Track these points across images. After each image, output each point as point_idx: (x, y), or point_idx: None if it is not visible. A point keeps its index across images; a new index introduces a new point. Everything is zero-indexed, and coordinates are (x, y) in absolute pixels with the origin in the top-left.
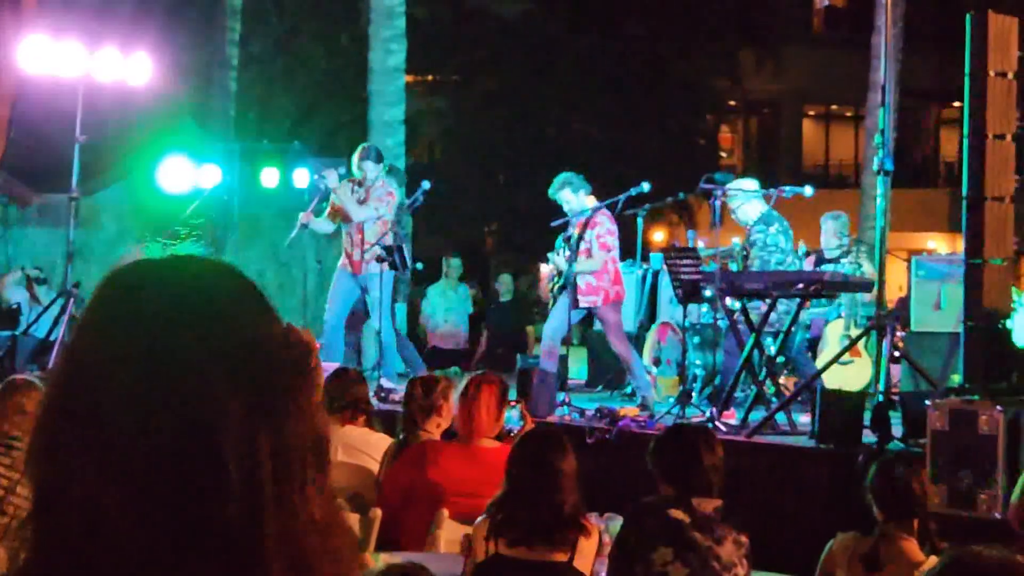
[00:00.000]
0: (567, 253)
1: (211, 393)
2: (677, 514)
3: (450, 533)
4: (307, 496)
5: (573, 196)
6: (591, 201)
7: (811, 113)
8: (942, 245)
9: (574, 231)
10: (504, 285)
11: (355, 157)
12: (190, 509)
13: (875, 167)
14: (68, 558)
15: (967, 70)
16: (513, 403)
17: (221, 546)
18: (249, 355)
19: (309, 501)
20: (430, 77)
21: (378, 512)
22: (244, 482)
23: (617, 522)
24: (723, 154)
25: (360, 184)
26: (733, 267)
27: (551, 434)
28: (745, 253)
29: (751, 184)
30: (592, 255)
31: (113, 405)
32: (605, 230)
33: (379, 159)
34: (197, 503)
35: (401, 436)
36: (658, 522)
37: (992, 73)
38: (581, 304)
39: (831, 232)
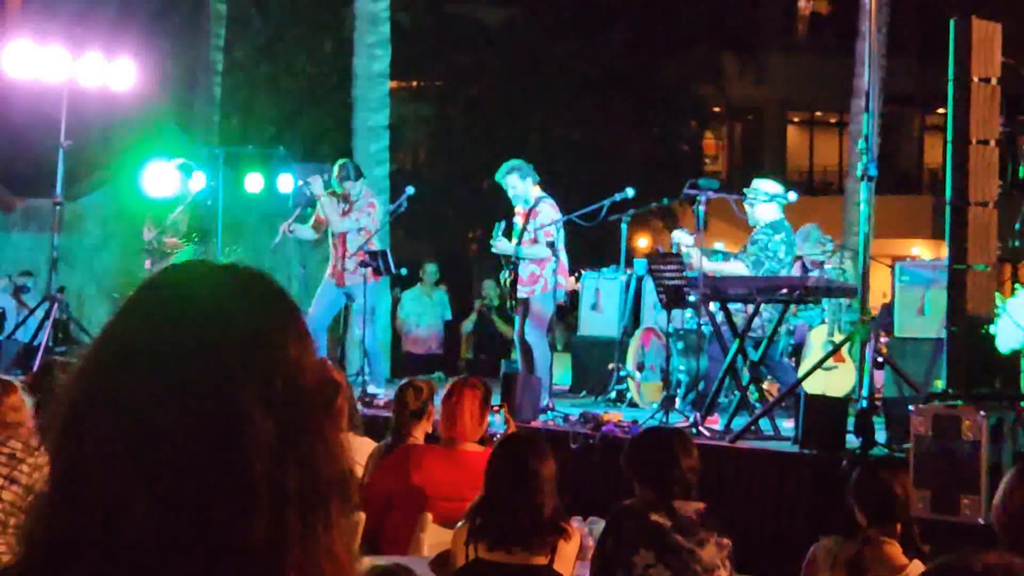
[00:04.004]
0: (513, 239)
1: (245, 408)
2: (658, 518)
3: (433, 537)
4: (330, 530)
5: (520, 182)
6: (536, 190)
7: (795, 119)
8: (926, 251)
9: (518, 220)
10: (489, 291)
11: (334, 176)
12: (216, 523)
13: (859, 173)
14: (80, 550)
15: (950, 75)
16: (496, 408)
17: (243, 569)
18: (285, 380)
19: (332, 536)
20: (414, 83)
21: (361, 516)
22: (272, 506)
23: (600, 525)
24: (707, 160)
25: (345, 199)
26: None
27: (530, 438)
28: (743, 248)
29: (774, 187)
30: (537, 243)
31: (149, 400)
32: (549, 219)
33: (358, 175)
34: (224, 518)
35: (387, 440)
36: (639, 526)
37: (975, 79)
38: (519, 294)
39: (813, 239)
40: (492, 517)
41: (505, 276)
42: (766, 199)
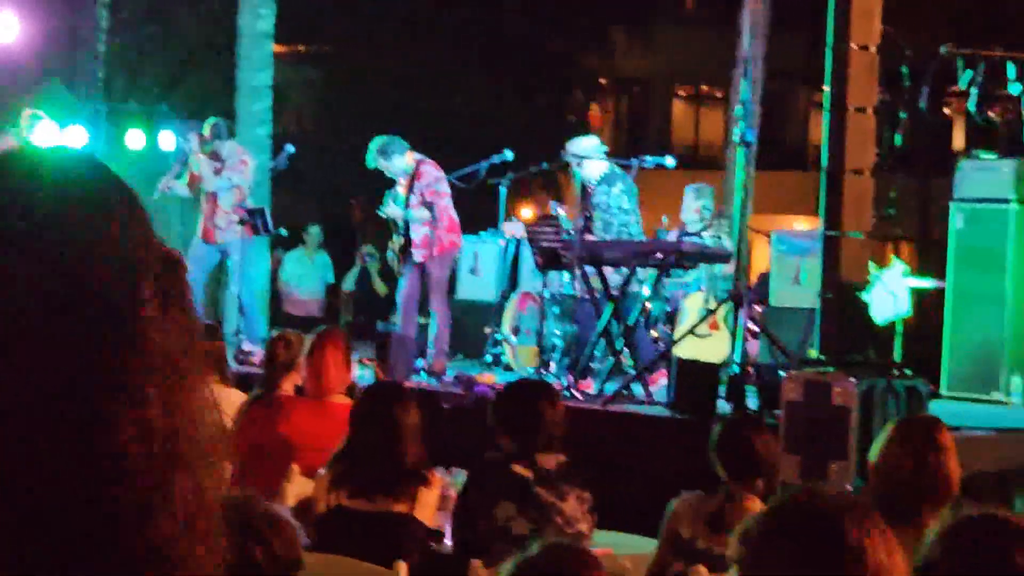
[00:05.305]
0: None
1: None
2: (520, 470)
3: (299, 487)
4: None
5: (390, 162)
6: (411, 157)
7: (681, 93)
8: (810, 227)
9: (400, 190)
10: (371, 256)
11: (205, 135)
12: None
13: (735, 138)
14: None
15: (829, 42)
16: (366, 361)
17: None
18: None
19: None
20: (302, 47)
21: (227, 465)
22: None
23: (463, 477)
24: (593, 132)
25: (216, 157)
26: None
27: (394, 387)
28: (588, 215)
29: (591, 142)
30: (426, 205)
31: None
32: (433, 179)
33: (230, 134)
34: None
35: (256, 392)
36: (501, 477)
37: (854, 46)
38: (415, 258)
39: (693, 206)
40: (354, 465)
41: (397, 240)
42: (586, 157)
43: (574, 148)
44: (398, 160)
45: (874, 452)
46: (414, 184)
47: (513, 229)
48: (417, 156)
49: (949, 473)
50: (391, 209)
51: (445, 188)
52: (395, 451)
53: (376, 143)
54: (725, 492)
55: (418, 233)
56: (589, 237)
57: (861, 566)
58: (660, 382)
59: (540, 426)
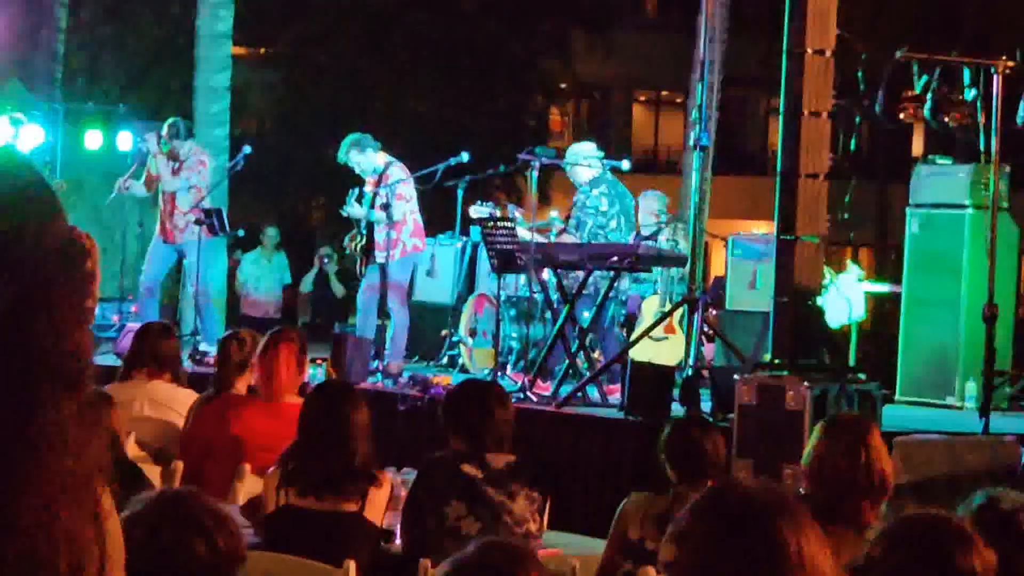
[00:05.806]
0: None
1: None
2: (469, 469)
3: (251, 487)
4: (52, 414)
5: (362, 156)
6: (382, 157)
7: (641, 98)
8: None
9: (368, 189)
10: (329, 257)
11: (164, 135)
12: None
13: (691, 142)
14: None
15: (785, 47)
16: (319, 360)
17: None
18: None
19: (54, 421)
20: (262, 49)
21: (179, 464)
22: None
23: (413, 476)
24: (552, 136)
25: (174, 157)
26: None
27: (344, 385)
28: (568, 214)
29: (588, 147)
30: (389, 206)
31: None
32: (399, 181)
33: (189, 134)
34: None
35: (209, 391)
36: (450, 477)
37: (809, 51)
38: (377, 259)
39: (649, 211)
40: (303, 463)
41: (359, 242)
42: (578, 162)
43: (571, 153)
44: (371, 155)
45: (807, 455)
46: (380, 185)
47: (479, 212)
48: (387, 158)
49: (883, 468)
50: (354, 209)
51: (411, 192)
52: (344, 449)
53: (351, 137)
54: (674, 493)
55: (381, 234)
56: (566, 238)
57: (798, 566)
58: (616, 395)
59: (490, 426)
